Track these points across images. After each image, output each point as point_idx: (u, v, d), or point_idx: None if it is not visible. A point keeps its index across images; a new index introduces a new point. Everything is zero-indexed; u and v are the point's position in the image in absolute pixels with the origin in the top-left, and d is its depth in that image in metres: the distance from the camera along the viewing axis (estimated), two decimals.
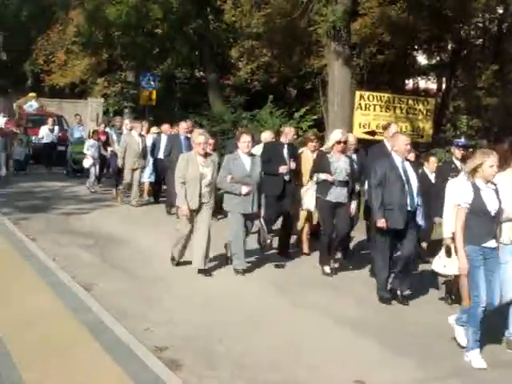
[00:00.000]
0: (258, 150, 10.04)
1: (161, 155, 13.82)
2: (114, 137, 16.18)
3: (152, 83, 23.24)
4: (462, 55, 27.11)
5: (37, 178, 17.59)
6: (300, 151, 10.05)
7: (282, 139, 9.66)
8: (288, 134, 9.64)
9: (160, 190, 14.90)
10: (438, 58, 30.58)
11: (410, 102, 15.89)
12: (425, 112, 15.74)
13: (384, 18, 24.37)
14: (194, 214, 8.16)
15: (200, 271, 8.14)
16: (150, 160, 14.45)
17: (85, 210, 12.88)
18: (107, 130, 17.25)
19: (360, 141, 15.13)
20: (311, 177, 8.83)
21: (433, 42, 27.48)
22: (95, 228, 11.06)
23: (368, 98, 15.52)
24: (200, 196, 8.07)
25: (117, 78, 29.70)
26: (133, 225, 11.63)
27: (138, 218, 12.68)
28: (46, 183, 16.79)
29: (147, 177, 14.80)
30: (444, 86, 30.33)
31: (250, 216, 8.38)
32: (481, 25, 26.32)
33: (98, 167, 16.11)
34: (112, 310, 6.31)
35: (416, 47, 29.24)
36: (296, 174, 9.43)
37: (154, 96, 23.14)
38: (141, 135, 14.13)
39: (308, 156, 9.71)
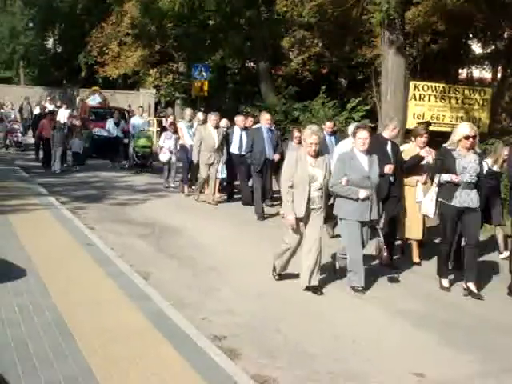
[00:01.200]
0: (344, 145, 9.17)
1: (234, 150, 13.29)
2: (185, 129, 14.86)
3: (204, 74, 23.38)
4: None
5: (91, 169, 17.74)
6: (405, 147, 9.16)
7: (385, 134, 8.62)
8: (392, 128, 8.56)
9: (233, 188, 14.16)
10: (493, 47, 29.91)
11: (466, 91, 15.61)
12: (481, 102, 15.43)
13: (438, 6, 23.93)
14: (301, 222, 7.14)
15: (307, 288, 7.16)
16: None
17: (140, 200, 13.06)
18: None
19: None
20: (432, 178, 7.82)
21: (489, 29, 26.87)
22: (151, 217, 11.21)
23: (423, 88, 15.31)
24: (309, 202, 7.04)
25: (169, 69, 30.00)
26: (188, 214, 11.77)
27: (193, 207, 12.81)
28: (100, 173, 17.07)
29: (219, 173, 13.74)
30: (500, 75, 29.64)
31: (367, 224, 7.34)
32: None
33: (175, 161, 15.10)
34: (170, 300, 6.39)
35: (471, 35, 28.66)
36: (401, 173, 8.46)
37: (205, 87, 23.28)
38: (217, 127, 13.22)
39: (415, 152, 8.57)
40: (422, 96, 15.20)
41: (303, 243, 7.19)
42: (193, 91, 24.14)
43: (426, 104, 15.22)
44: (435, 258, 8.00)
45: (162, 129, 19.54)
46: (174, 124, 15.68)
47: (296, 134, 11.94)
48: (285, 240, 7.29)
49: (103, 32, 30.53)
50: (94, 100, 26.59)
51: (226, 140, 13.29)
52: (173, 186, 14.88)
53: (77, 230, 9.38)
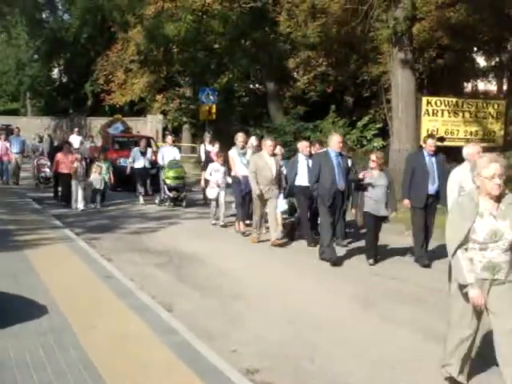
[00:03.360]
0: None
1: (301, 181, 11.26)
2: (237, 158, 12.94)
3: (211, 97, 23.37)
4: None
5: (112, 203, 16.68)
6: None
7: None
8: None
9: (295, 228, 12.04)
10: (497, 59, 29.88)
11: (479, 104, 15.49)
12: (495, 115, 15.29)
13: (443, 21, 23.95)
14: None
15: None
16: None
17: (154, 228, 12.92)
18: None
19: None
20: None
21: (493, 42, 26.87)
22: (167, 246, 11.05)
23: (435, 104, 15.20)
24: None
25: (175, 94, 30.07)
26: (204, 241, 11.60)
27: (208, 233, 12.64)
28: (110, 202, 16.82)
29: (280, 207, 12.04)
30: (505, 87, 29.59)
31: None
32: None
33: (223, 197, 13.36)
34: (197, 332, 6.20)
35: (475, 49, 28.66)
36: None
37: (213, 110, 23.29)
38: (274, 155, 11.47)
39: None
40: (435, 111, 15.08)
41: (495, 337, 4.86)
42: (200, 115, 24.12)
43: (440, 119, 15.12)
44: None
45: None
46: (221, 155, 13.84)
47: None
48: (453, 328, 5.08)
49: (109, 60, 30.72)
50: (116, 129, 26.14)
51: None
52: (221, 223, 13.29)
53: (94, 262, 9.22)
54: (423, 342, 6.24)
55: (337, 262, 9.67)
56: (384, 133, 19.00)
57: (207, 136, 16.70)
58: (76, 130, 25.88)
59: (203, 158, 16.50)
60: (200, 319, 6.79)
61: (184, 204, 16.11)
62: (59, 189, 16.93)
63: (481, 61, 30.66)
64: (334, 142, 10.09)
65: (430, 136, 10.64)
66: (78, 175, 15.39)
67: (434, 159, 9.75)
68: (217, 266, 9.54)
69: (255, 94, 30.16)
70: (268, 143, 11.35)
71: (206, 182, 13.93)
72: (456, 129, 15.07)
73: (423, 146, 10.03)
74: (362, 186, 9.70)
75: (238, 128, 24.55)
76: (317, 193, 10.02)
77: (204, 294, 7.92)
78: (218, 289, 8.19)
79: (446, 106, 15.14)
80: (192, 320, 6.68)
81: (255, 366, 5.45)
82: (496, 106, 15.40)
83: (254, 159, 11.44)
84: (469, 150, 7.67)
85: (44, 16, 38.92)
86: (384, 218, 9.87)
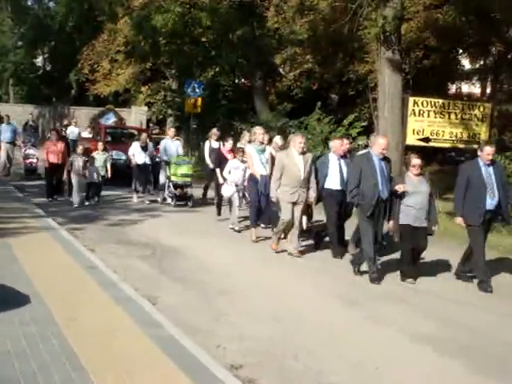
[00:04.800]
0: None
1: (332, 184, 10.15)
2: (255, 155, 11.56)
3: (197, 90, 23.24)
4: (507, 58, 26.61)
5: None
6: None
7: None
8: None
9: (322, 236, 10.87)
10: (481, 62, 30.11)
11: (465, 107, 15.55)
12: (481, 117, 15.38)
13: (430, 22, 24.08)
14: None
15: None
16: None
17: (138, 220, 12.82)
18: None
19: (414, 147, 14.97)
20: None
21: (478, 45, 27.06)
22: (151, 238, 10.97)
23: (422, 104, 15.24)
24: None
25: (160, 86, 29.90)
26: (188, 234, 11.53)
27: (191, 227, 12.57)
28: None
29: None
30: (489, 90, 29.83)
31: None
32: None
33: (237, 198, 12.05)
34: (181, 326, 6.16)
35: (461, 51, 28.86)
36: None
37: (199, 103, 23.16)
38: (303, 153, 9.98)
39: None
40: (422, 112, 15.13)
41: None
42: (186, 108, 24.01)
43: (426, 120, 15.15)
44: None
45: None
46: (232, 151, 13.06)
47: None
48: None
49: (94, 49, 30.46)
50: (108, 119, 25.62)
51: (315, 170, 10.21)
52: (236, 228, 12.02)
53: (77, 253, 9.14)
54: (407, 341, 6.27)
55: (378, 279, 8.56)
56: (368, 131, 19.06)
57: (214, 132, 15.35)
58: (73, 120, 24.68)
59: (207, 155, 14.99)
60: (184, 313, 6.75)
61: (190, 204, 14.88)
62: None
63: (466, 63, 30.88)
64: (380, 144, 8.79)
65: (488, 142, 9.46)
66: (75, 168, 14.32)
67: (491, 169, 8.59)
68: (198, 260, 9.48)
69: (241, 88, 30.10)
70: (298, 139, 9.94)
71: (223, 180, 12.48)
72: (442, 130, 15.13)
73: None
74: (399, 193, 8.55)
75: (224, 122, 24.59)
76: (356, 200, 8.74)
77: (187, 287, 7.88)
78: (199, 283, 8.14)
79: (432, 106, 15.19)
80: (176, 314, 6.64)
81: (239, 362, 5.43)
82: (482, 109, 15.50)
83: (281, 157, 10.04)
84: None
85: (29, 3, 38.65)
86: (426, 230, 8.64)
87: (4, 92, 42.03)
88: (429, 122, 15.11)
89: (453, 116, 15.22)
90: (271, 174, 10.56)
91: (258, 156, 11.41)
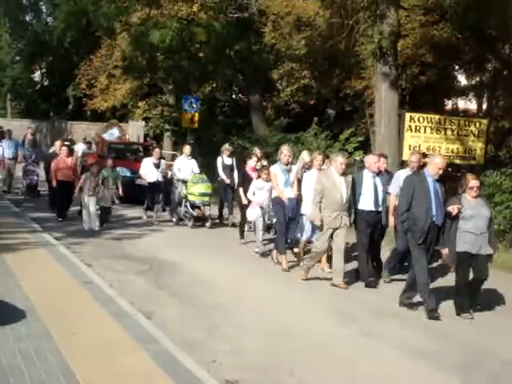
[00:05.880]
0: None
1: (366, 205, 9.36)
2: (281, 175, 10.53)
3: (194, 106, 23.31)
4: (503, 75, 26.76)
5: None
6: None
7: None
8: None
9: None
10: (477, 79, 30.26)
11: (462, 122, 15.57)
12: (477, 133, 15.41)
13: (426, 38, 24.22)
14: None
15: None
16: None
17: (136, 235, 12.82)
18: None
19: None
20: None
21: (474, 62, 27.21)
22: (148, 253, 10.97)
23: (418, 120, 15.25)
24: None
25: (158, 101, 29.97)
26: (185, 250, 11.52)
27: (190, 242, 12.56)
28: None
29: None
30: (485, 106, 29.94)
31: None
32: None
33: (261, 221, 11.35)
34: (177, 341, 6.16)
35: (457, 67, 29.00)
36: None
37: (196, 118, 23.22)
38: (344, 174, 9.22)
39: None
40: (418, 127, 15.14)
41: None
42: (183, 123, 24.06)
43: (422, 135, 15.16)
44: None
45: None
46: (255, 170, 12.40)
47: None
48: None
49: (92, 65, 30.55)
50: (111, 135, 25.24)
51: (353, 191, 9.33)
52: (257, 250, 11.33)
53: (74, 268, 9.14)
54: (402, 358, 6.27)
55: (437, 314, 7.70)
56: (365, 146, 19.10)
57: (226, 148, 14.61)
58: (83, 137, 23.70)
59: (221, 171, 14.26)
60: (180, 328, 6.75)
61: (209, 225, 14.12)
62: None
63: (462, 79, 31.02)
64: (436, 164, 7.97)
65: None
66: (85, 188, 13.26)
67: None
68: (195, 275, 9.47)
69: (238, 103, 30.20)
70: (339, 160, 9.14)
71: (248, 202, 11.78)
72: (438, 145, 15.13)
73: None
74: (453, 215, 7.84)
75: (221, 137, 24.61)
76: (406, 226, 7.93)
77: (182, 302, 7.88)
78: (196, 298, 8.14)
79: (428, 122, 15.20)
80: (172, 329, 6.64)
81: (235, 377, 5.43)
82: (478, 125, 15.52)
83: (321, 177, 9.30)
84: None
85: (28, 18, 38.77)
86: (488, 258, 7.92)
87: (1, 107, 42.11)
88: (425, 138, 15.12)
89: (449, 132, 15.23)
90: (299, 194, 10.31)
91: (284, 177, 10.51)
